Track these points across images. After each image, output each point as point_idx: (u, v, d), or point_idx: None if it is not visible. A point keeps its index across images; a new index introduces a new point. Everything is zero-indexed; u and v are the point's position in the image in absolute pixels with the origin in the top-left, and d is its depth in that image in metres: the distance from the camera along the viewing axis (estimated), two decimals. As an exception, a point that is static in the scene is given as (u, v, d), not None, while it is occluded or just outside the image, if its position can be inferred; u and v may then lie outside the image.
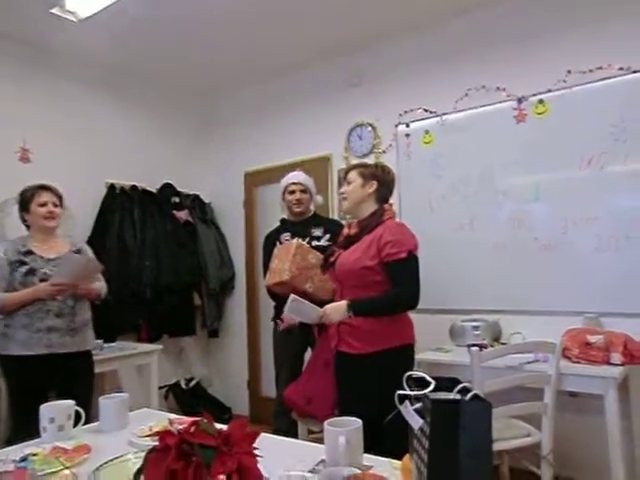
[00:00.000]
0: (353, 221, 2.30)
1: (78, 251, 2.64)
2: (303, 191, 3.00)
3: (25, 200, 2.52)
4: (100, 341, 3.08)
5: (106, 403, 1.57)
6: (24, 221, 2.56)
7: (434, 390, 0.96)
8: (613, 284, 2.76)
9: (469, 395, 0.90)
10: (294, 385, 2.67)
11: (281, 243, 2.93)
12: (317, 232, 2.99)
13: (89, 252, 2.73)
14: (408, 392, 0.97)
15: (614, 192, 2.79)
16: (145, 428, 1.48)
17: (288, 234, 2.97)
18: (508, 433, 2.33)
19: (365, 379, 2.06)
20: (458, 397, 0.90)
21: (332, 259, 2.24)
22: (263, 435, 1.03)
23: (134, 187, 3.99)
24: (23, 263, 2.42)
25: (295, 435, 2.82)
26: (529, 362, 2.49)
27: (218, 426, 0.95)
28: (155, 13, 3.19)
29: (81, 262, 2.52)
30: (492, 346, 2.79)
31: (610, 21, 2.80)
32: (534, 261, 3.02)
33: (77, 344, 2.51)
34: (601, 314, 2.74)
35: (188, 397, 4.16)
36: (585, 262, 2.85)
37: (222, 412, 4.30)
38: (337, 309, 2.09)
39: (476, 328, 2.89)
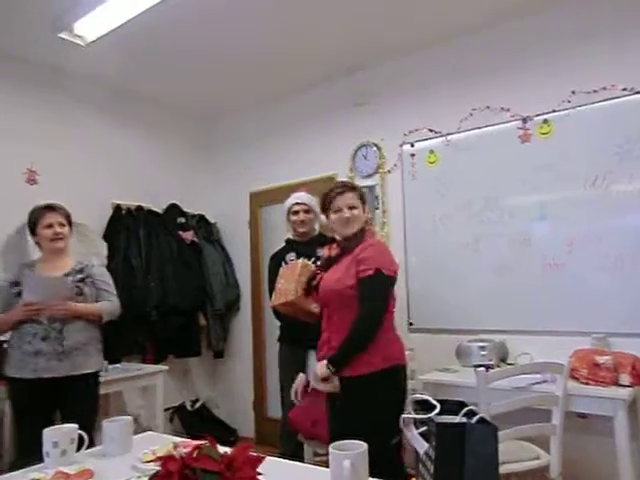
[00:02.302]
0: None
1: (81, 270, 2.56)
2: (306, 211, 3.01)
3: (32, 223, 2.53)
4: (105, 362, 3.05)
5: (109, 426, 1.56)
6: (36, 243, 2.57)
7: (439, 413, 0.95)
8: (620, 304, 2.74)
9: (475, 418, 0.88)
10: (299, 407, 2.65)
11: (287, 263, 2.93)
12: (322, 252, 2.99)
13: (93, 270, 2.62)
14: (413, 415, 0.96)
15: (620, 212, 2.78)
16: (149, 452, 1.47)
17: (293, 254, 2.98)
18: (516, 455, 2.29)
19: (356, 402, 2.00)
20: (464, 421, 0.89)
21: (315, 282, 2.21)
22: (269, 458, 1.02)
23: (140, 207, 4.02)
24: (17, 284, 2.43)
25: (301, 458, 2.78)
26: (537, 383, 2.47)
27: (222, 449, 0.94)
28: (160, 38, 3.26)
29: (44, 282, 2.43)
30: (499, 367, 2.77)
31: (615, 41, 2.82)
32: (540, 281, 3.00)
33: (66, 369, 2.40)
34: (609, 334, 2.71)
35: (193, 419, 4.13)
36: (592, 282, 2.83)
37: (228, 434, 4.26)
38: (320, 369, 2.02)
39: (482, 348, 2.87)
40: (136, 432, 1.68)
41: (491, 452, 0.83)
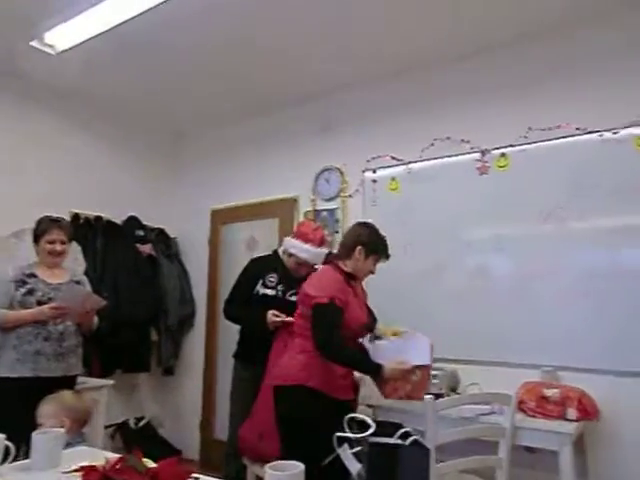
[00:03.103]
0: None
1: (78, 282, 2.80)
2: (300, 264, 2.89)
3: (38, 232, 2.71)
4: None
5: (37, 439, 1.45)
6: (36, 250, 2.73)
7: (376, 434, 0.93)
8: (571, 338, 2.76)
9: (409, 440, 0.87)
10: (248, 422, 2.61)
11: (265, 284, 2.87)
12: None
13: (87, 285, 2.88)
14: (348, 434, 0.94)
15: (572, 247, 2.83)
16: (77, 467, 1.39)
17: (275, 276, 2.90)
18: (461, 488, 2.28)
19: None
20: (397, 442, 0.88)
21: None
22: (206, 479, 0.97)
23: (99, 218, 3.94)
24: (24, 283, 2.59)
25: (244, 480, 2.71)
26: (485, 414, 2.46)
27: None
28: (128, 52, 3.25)
29: (82, 293, 2.71)
30: (449, 396, 2.76)
31: (569, 82, 2.93)
32: (495, 312, 3.02)
33: (63, 369, 2.60)
34: (559, 368, 2.73)
35: (136, 437, 3.95)
36: (544, 315, 2.87)
37: (171, 455, 4.10)
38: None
39: (434, 377, 2.85)
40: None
41: (423, 474, 0.82)
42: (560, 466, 2.25)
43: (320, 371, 2.20)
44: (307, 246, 2.82)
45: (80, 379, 3.25)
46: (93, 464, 0.87)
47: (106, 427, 3.54)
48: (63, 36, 3.06)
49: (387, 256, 2.54)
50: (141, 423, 4.09)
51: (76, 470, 0.97)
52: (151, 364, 4.21)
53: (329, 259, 2.62)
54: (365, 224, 2.56)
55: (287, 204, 3.95)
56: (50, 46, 3.15)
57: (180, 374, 4.46)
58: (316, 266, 2.81)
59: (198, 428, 4.26)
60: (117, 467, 0.84)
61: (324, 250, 2.90)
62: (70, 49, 3.15)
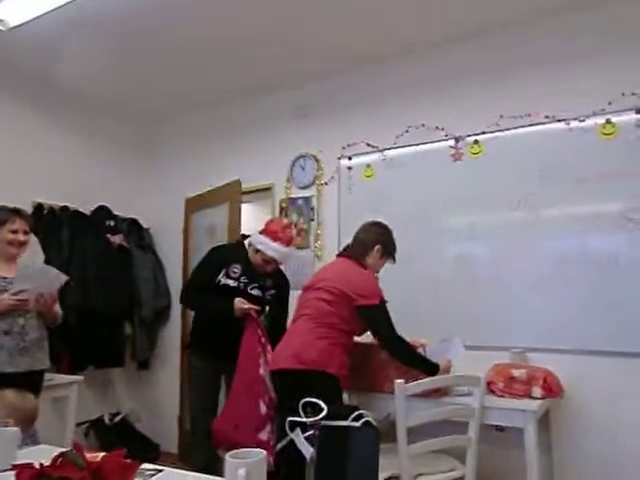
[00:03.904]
0: None
1: None
2: (267, 261, 2.86)
3: None
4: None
5: None
6: None
7: (331, 417, 0.91)
8: (539, 320, 2.83)
9: (360, 422, 0.85)
10: (222, 415, 2.61)
11: (228, 274, 2.81)
12: (268, 283, 2.91)
13: None
14: (303, 419, 0.92)
15: (543, 233, 2.87)
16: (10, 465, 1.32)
17: (239, 267, 2.84)
18: (432, 467, 2.29)
19: None
20: (349, 424, 0.86)
21: None
22: (170, 471, 0.94)
23: (65, 208, 3.83)
24: None
25: (216, 470, 2.70)
26: (458, 395, 2.49)
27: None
28: (94, 29, 3.09)
29: (36, 269, 2.57)
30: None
31: (538, 71, 2.97)
32: (468, 297, 3.05)
33: (27, 363, 2.51)
34: (527, 349, 2.79)
35: (112, 433, 3.90)
36: (515, 299, 2.92)
37: (149, 449, 4.06)
38: None
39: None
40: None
41: (372, 455, 0.80)
42: (525, 442, 2.29)
43: (338, 360, 2.34)
44: (275, 245, 2.78)
45: (47, 376, 3.18)
46: (29, 462, 0.83)
47: (79, 424, 3.47)
48: (15, 10, 2.84)
49: (394, 260, 2.63)
50: (117, 419, 4.03)
51: (11, 469, 0.92)
52: (125, 358, 4.15)
53: (343, 254, 2.61)
54: (380, 224, 2.61)
55: (263, 192, 3.90)
56: (0, 21, 2.93)
57: (156, 367, 4.41)
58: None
59: (176, 421, 4.22)
60: (55, 464, 0.80)
61: (292, 250, 2.91)
62: (24, 24, 2.92)
